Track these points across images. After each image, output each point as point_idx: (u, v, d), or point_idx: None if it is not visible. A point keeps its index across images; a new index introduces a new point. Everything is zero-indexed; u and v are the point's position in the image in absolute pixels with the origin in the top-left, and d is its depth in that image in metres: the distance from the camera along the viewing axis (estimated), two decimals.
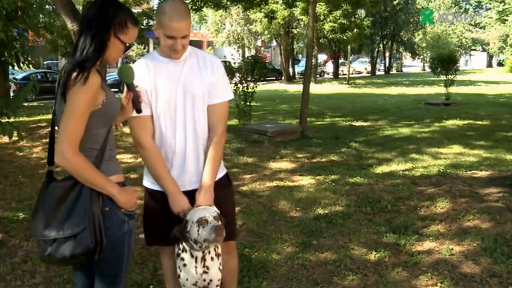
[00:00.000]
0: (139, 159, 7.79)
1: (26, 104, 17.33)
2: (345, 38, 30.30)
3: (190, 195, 2.52)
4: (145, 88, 2.46)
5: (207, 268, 2.54)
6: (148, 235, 2.76)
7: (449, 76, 17.54)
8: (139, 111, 2.38)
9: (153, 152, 2.51)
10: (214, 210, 2.44)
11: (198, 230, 2.35)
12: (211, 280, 2.57)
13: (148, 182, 2.66)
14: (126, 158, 8.02)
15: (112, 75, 26.76)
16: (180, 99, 2.50)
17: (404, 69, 59.78)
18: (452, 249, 4.08)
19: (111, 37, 2.12)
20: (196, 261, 2.51)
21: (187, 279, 2.54)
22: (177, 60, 2.52)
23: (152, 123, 2.51)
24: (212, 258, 2.55)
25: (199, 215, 2.37)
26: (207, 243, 2.38)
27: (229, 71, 11.27)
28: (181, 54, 2.48)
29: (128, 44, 2.19)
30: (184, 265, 2.52)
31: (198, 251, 2.48)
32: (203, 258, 2.52)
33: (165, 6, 2.42)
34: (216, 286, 2.60)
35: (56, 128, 2.20)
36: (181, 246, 2.53)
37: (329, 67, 45.19)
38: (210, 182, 2.53)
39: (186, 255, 2.52)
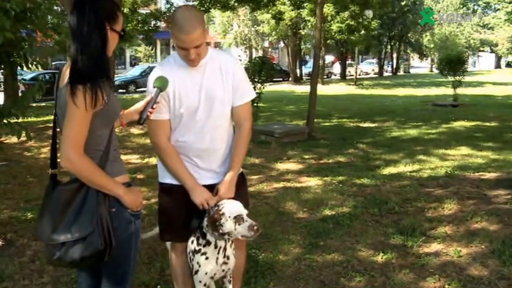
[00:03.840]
0: (146, 160, 7.83)
1: (34, 105, 17.44)
2: (352, 39, 30.25)
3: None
4: (167, 92, 2.48)
5: (227, 258, 2.66)
6: (165, 231, 2.82)
7: (457, 77, 17.48)
8: (140, 121, 2.38)
9: (171, 151, 2.60)
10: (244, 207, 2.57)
11: (234, 226, 2.47)
12: (229, 268, 2.71)
13: (167, 178, 2.70)
14: (133, 158, 8.03)
15: (119, 76, 26.84)
16: (202, 103, 2.54)
17: (412, 71, 59.56)
18: (460, 251, 4.06)
19: (108, 33, 2.09)
20: (219, 252, 2.61)
21: (206, 273, 2.62)
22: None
23: (169, 125, 2.59)
24: (231, 245, 2.67)
25: (236, 212, 2.49)
26: (240, 237, 2.52)
27: None
28: (197, 63, 2.49)
29: (121, 33, 2.16)
30: (207, 258, 2.60)
31: (222, 241, 2.59)
32: (225, 248, 2.63)
33: (176, 14, 2.42)
34: (231, 271, 2.74)
35: (58, 129, 2.21)
36: (202, 242, 2.60)
37: (336, 68, 45.05)
38: (233, 175, 2.64)
39: (209, 248, 2.60)
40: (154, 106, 2.40)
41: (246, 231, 2.47)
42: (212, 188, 2.62)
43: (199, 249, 2.61)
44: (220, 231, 2.49)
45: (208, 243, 2.59)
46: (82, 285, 2.43)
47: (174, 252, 2.86)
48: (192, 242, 2.65)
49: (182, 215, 2.66)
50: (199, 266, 2.61)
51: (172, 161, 2.60)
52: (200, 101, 2.54)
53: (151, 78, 2.50)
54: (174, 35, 2.38)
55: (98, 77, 2.00)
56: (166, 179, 2.70)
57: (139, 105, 2.45)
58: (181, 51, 2.43)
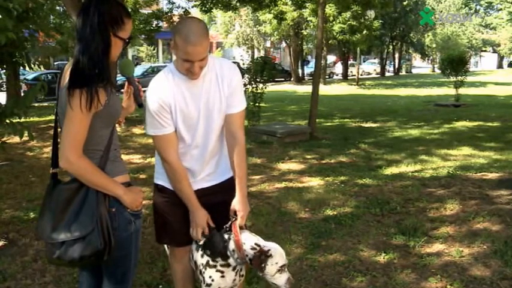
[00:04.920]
0: (148, 160, 7.84)
1: (36, 105, 17.48)
2: (354, 39, 30.24)
3: (200, 192, 2.59)
4: (169, 105, 2.44)
5: (242, 276, 2.61)
6: (161, 232, 2.77)
7: (459, 77, 17.47)
8: (141, 105, 2.41)
9: (179, 168, 2.52)
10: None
11: (275, 273, 2.39)
12: (240, 282, 2.66)
13: (161, 180, 2.67)
14: (135, 158, 8.04)
15: (121, 76, 26.69)
16: (202, 114, 2.50)
17: (414, 71, 59.48)
18: (462, 251, 4.06)
19: (111, 38, 2.08)
20: (236, 273, 2.55)
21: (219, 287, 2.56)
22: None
23: (176, 138, 2.52)
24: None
25: (284, 261, 2.41)
26: (271, 282, 2.44)
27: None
28: (198, 76, 2.42)
29: (127, 40, 2.16)
30: (223, 276, 2.52)
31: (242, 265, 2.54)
32: (241, 268, 2.58)
33: (181, 26, 2.34)
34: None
35: (59, 129, 2.21)
36: (222, 262, 2.50)
37: (338, 68, 45.06)
38: (245, 188, 2.58)
39: (227, 269, 2.52)
40: (140, 87, 2.41)
41: (282, 283, 2.40)
42: (207, 190, 2.61)
43: (215, 265, 2.50)
44: (261, 271, 2.41)
45: (228, 265, 2.50)
46: (83, 285, 2.43)
47: (173, 257, 2.83)
48: (202, 256, 2.54)
49: (178, 217, 2.61)
50: (213, 281, 2.51)
51: (180, 179, 2.53)
52: (200, 114, 2.49)
53: (149, 91, 2.50)
54: (180, 48, 2.30)
55: (95, 81, 1.99)
56: (161, 180, 2.66)
57: (128, 102, 2.46)
58: (184, 64, 2.36)
